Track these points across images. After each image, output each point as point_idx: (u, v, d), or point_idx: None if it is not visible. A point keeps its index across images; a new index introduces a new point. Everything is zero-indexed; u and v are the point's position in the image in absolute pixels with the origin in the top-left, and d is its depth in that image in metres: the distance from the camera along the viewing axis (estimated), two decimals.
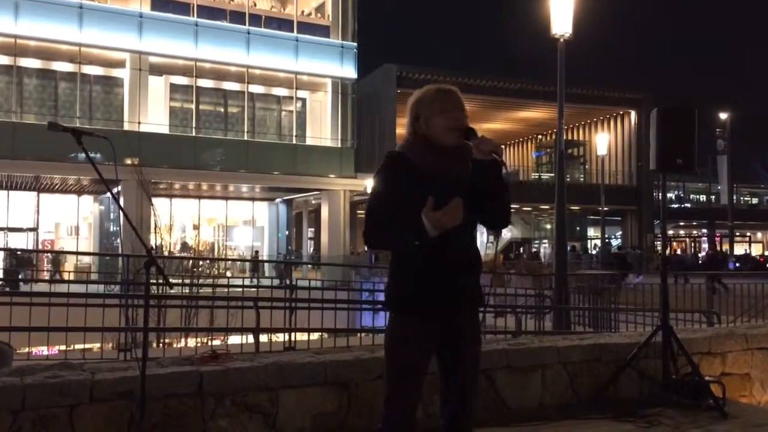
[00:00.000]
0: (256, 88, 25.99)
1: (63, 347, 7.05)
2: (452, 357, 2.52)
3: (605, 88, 36.05)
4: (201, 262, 15.65)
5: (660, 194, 6.04)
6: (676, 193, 54.33)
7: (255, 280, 15.20)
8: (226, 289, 11.49)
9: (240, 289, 9.85)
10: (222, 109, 26.20)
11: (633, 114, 37.06)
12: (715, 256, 28.71)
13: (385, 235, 2.44)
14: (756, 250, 49.45)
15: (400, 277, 2.50)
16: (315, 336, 8.28)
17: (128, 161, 19.37)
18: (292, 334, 7.83)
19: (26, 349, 6.94)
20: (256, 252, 26.49)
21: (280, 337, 8.16)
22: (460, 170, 2.50)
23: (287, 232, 29.87)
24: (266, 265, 25.10)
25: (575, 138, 40.73)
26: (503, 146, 45.67)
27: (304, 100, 27.26)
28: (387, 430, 2.50)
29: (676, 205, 50.44)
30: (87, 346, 7.55)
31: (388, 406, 2.49)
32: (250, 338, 7.06)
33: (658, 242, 36.46)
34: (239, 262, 25.08)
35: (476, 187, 2.45)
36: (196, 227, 26.68)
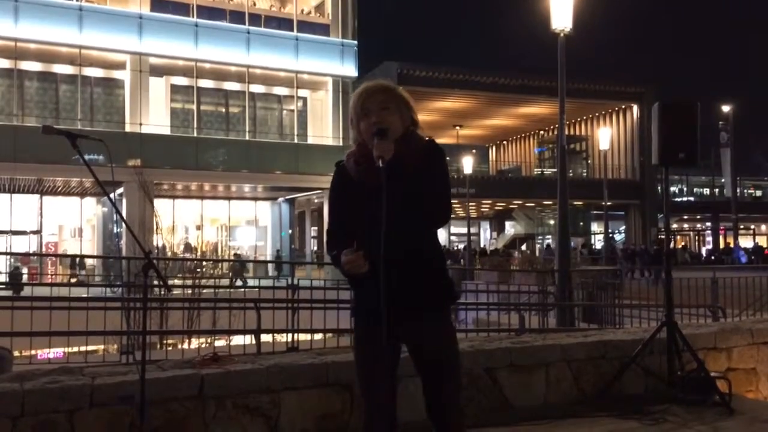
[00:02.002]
0: (257, 88, 25.96)
1: (65, 350, 7.03)
2: (415, 357, 2.54)
3: (607, 83, 35.96)
4: (204, 263, 15.68)
5: (662, 188, 6.00)
6: (679, 186, 54.20)
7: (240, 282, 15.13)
8: (227, 290, 11.46)
9: (242, 290, 9.83)
10: (223, 110, 26.18)
11: (635, 108, 36.96)
12: (660, 250, 28.63)
13: (331, 257, 2.53)
14: (761, 243, 49.26)
15: (349, 281, 2.58)
16: (318, 336, 8.25)
17: (130, 163, 19.38)
18: (295, 334, 7.80)
19: (28, 353, 6.93)
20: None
21: (282, 338, 8.14)
22: (393, 170, 2.38)
23: (290, 232, 29.86)
24: (269, 264, 25.08)
25: (577, 133, 40.65)
26: (505, 142, 45.87)
27: (305, 99, 27.23)
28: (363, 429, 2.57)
29: (679, 199, 50.33)
30: (89, 348, 7.54)
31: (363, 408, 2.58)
32: (254, 339, 7.04)
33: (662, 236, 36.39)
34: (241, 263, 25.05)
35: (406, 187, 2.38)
36: (199, 228, 26.69)
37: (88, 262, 23.16)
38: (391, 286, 2.34)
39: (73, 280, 18.23)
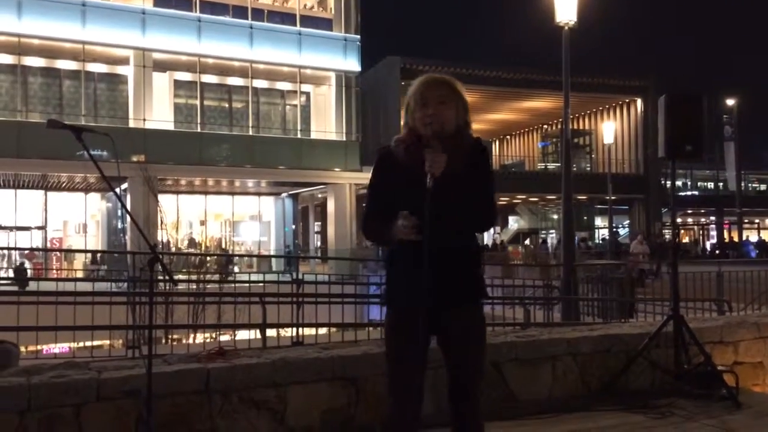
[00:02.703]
0: (260, 83, 25.94)
1: (71, 345, 7.05)
2: (447, 347, 2.55)
3: (611, 77, 35.80)
4: (208, 258, 15.70)
5: (668, 182, 5.98)
6: (683, 180, 54.05)
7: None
8: (232, 285, 11.48)
9: (246, 285, 9.83)
10: (226, 105, 26.17)
11: (639, 102, 36.82)
12: (662, 244, 28.61)
13: (371, 231, 2.58)
14: (765, 238, 49.10)
15: (387, 270, 2.60)
16: (323, 331, 8.25)
17: (134, 158, 19.40)
18: (300, 329, 7.80)
19: (34, 348, 6.94)
20: (224, 249, 26.01)
21: (287, 332, 8.14)
22: (450, 164, 2.46)
23: (293, 227, 29.87)
24: (273, 260, 25.10)
25: (581, 127, 40.52)
26: (508, 136, 45.81)
27: (308, 94, 27.20)
28: (387, 422, 2.55)
29: (683, 193, 50.18)
30: (95, 343, 7.55)
31: (388, 399, 2.56)
32: (259, 334, 7.04)
33: (666, 231, 36.32)
34: (246, 258, 25.10)
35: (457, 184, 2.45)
36: (203, 223, 26.71)
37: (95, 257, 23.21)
38: (435, 277, 2.40)
39: (80, 274, 18.26)
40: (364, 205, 2.72)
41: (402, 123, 2.64)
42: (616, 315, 10.37)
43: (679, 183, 51.52)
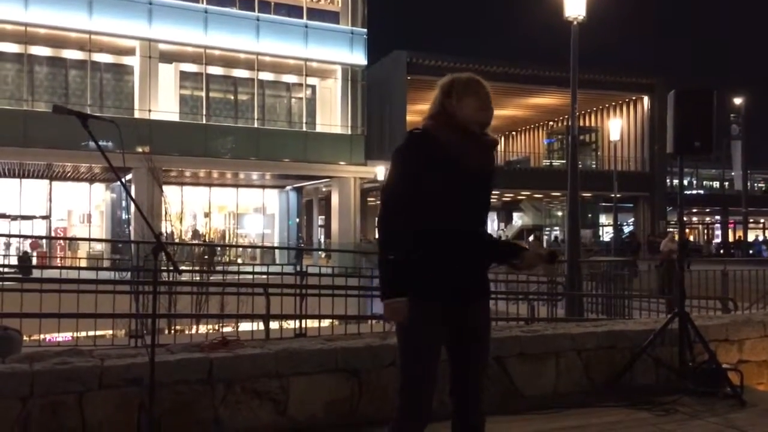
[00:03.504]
0: (266, 75, 25.89)
1: (74, 334, 7.05)
2: (459, 340, 2.52)
3: (618, 74, 35.64)
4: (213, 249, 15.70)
5: (675, 179, 5.93)
6: (689, 179, 53.85)
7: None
8: (236, 276, 11.47)
9: (250, 276, 9.83)
10: (232, 97, 26.12)
11: (646, 99, 36.67)
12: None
13: (395, 230, 2.46)
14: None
15: (413, 259, 2.48)
16: (326, 323, 8.24)
17: (139, 149, 19.38)
18: (304, 322, 7.80)
19: (38, 337, 6.95)
20: (211, 239, 25.85)
21: (291, 324, 8.13)
22: (483, 158, 2.57)
23: (298, 220, 29.86)
24: (277, 253, 25.11)
25: (587, 124, 40.41)
26: (514, 132, 45.68)
27: (313, 87, 27.13)
28: (405, 416, 2.47)
29: (689, 192, 49.99)
30: (98, 333, 7.55)
31: (406, 393, 2.47)
32: (262, 326, 7.03)
33: (671, 229, 36.21)
34: (250, 250, 25.10)
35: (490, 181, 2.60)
36: (207, 215, 26.71)
37: (97, 247, 23.24)
38: (465, 269, 2.47)
39: (84, 264, 18.21)
40: (372, 199, 2.66)
41: (434, 109, 2.58)
42: (620, 312, 10.33)
43: (684, 182, 51.32)
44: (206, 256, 13.74)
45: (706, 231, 50.49)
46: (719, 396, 4.45)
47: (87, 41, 22.14)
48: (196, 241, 19.31)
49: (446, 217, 2.43)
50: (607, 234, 39.96)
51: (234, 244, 23.35)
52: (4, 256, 19.64)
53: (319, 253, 26.90)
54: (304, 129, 26.18)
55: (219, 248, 16.86)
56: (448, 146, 2.43)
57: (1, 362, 3.40)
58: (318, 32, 25.30)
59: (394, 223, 2.43)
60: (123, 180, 3.54)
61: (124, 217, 24.76)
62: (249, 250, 24.96)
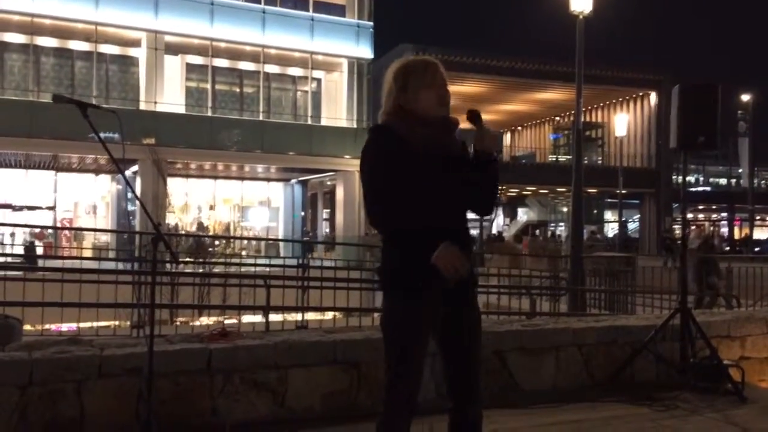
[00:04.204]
0: (272, 68, 25.86)
1: (76, 324, 7.08)
2: (451, 333, 2.48)
3: (624, 69, 35.45)
4: (216, 242, 15.73)
5: (680, 175, 5.90)
6: (696, 176, 53.62)
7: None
8: (238, 268, 11.49)
9: (252, 268, 9.84)
10: (238, 89, 26.11)
11: (653, 95, 36.49)
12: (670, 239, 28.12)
13: (383, 215, 2.40)
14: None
15: (390, 255, 2.45)
16: (328, 315, 8.26)
17: (144, 141, 19.39)
18: (305, 315, 7.81)
19: (40, 326, 6.97)
20: (198, 226, 25.92)
21: (292, 317, 8.15)
22: (449, 144, 2.49)
23: (302, 213, 29.85)
24: (281, 246, 25.14)
25: (593, 120, 40.25)
26: (520, 128, 45.56)
27: (319, 80, 27.10)
28: (392, 409, 2.44)
29: (695, 189, 49.82)
30: (101, 324, 7.58)
31: (393, 387, 2.43)
32: (263, 318, 7.05)
33: (676, 225, 36.10)
34: (254, 243, 25.15)
35: (465, 167, 2.46)
36: (212, 207, 26.75)
37: (102, 238, 23.30)
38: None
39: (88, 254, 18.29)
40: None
41: (390, 102, 2.51)
42: (623, 308, 10.31)
43: (691, 178, 51.20)
44: (210, 249, 13.76)
45: (712, 228, 50.27)
46: (720, 392, 4.43)
47: (93, 32, 22.14)
48: (197, 232, 19.31)
49: (422, 211, 2.35)
50: (612, 230, 39.85)
51: (236, 236, 23.36)
52: (10, 245, 19.74)
53: (322, 246, 26.90)
54: (310, 122, 26.15)
55: (221, 240, 16.86)
56: (411, 140, 2.38)
57: (1, 350, 3.41)
58: (324, 25, 25.24)
59: (384, 219, 2.42)
60: (129, 172, 3.55)
61: (129, 209, 24.82)
62: (254, 243, 25.02)
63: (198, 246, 12.89)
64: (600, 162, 39.67)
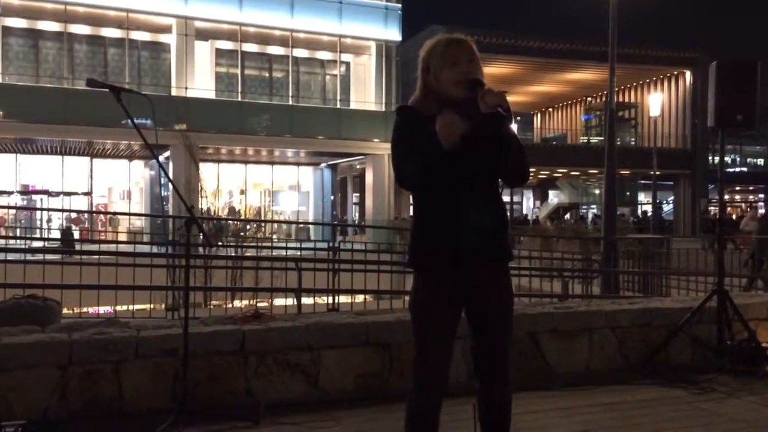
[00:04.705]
0: (300, 52, 25.89)
1: (113, 307, 7.23)
2: (478, 317, 2.44)
3: (659, 48, 34.68)
4: (248, 226, 15.88)
5: (717, 156, 5.77)
6: (732, 156, 52.42)
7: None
8: (270, 251, 11.59)
9: (284, 252, 9.92)
10: (267, 74, 26.22)
11: (688, 74, 35.66)
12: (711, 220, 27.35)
13: (408, 166, 2.34)
14: None
15: (413, 236, 2.44)
16: (359, 298, 8.30)
17: (176, 126, 19.61)
18: (336, 297, 7.86)
19: (78, 309, 7.14)
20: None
21: (323, 300, 8.20)
22: (469, 124, 2.37)
23: (332, 197, 29.98)
24: (311, 230, 25.30)
25: (626, 100, 39.52)
26: (551, 109, 44.96)
27: (348, 64, 27.05)
28: (421, 392, 2.42)
29: (732, 169, 48.74)
30: (137, 306, 7.73)
31: (422, 369, 2.42)
32: (295, 300, 7.11)
33: (712, 207, 35.40)
34: (285, 227, 25.34)
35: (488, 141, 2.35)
36: (243, 192, 27.01)
37: (137, 223, 23.71)
38: (472, 234, 2.34)
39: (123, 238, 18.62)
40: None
41: (418, 84, 2.47)
42: (657, 290, 10.16)
43: (727, 159, 49.98)
44: (242, 233, 13.89)
45: (749, 209, 49.20)
46: (758, 375, 4.35)
47: (125, 19, 22.41)
48: (230, 217, 19.52)
49: (442, 185, 2.32)
50: (642, 212, 39.22)
51: (268, 219, 23.55)
52: (48, 230, 20.19)
53: (352, 229, 27.01)
54: (338, 106, 26.17)
55: (252, 224, 17.01)
56: (432, 120, 2.30)
57: (41, 332, 3.49)
58: (352, 8, 25.15)
59: (408, 174, 2.37)
60: (162, 158, 3.60)
61: (163, 194, 25.18)
62: (284, 227, 25.21)
63: (218, 231, 12.97)
64: (633, 143, 38.99)
